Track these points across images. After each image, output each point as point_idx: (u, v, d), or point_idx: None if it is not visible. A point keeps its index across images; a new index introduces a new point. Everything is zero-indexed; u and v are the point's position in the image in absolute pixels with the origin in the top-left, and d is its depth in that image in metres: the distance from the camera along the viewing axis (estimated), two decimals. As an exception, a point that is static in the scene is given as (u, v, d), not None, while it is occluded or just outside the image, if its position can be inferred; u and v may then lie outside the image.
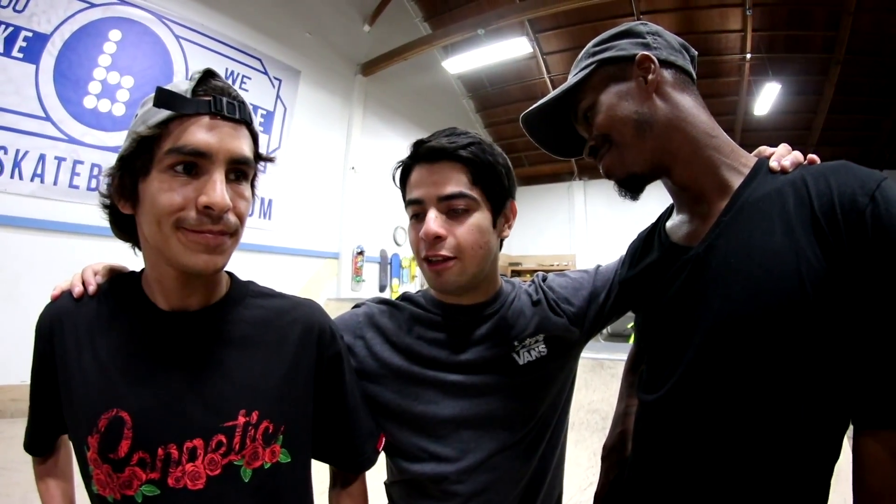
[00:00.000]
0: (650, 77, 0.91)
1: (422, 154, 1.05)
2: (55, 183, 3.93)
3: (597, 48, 1.00)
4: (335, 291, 7.11)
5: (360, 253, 7.54)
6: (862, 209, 0.72)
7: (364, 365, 1.11)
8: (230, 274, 0.95)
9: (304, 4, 6.78)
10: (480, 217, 1.04)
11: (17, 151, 3.78)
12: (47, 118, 3.93)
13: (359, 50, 7.79)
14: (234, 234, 0.80)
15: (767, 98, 8.19)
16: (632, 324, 1.30)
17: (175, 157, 0.73)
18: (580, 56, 1.03)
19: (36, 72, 3.88)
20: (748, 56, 8.01)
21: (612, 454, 1.28)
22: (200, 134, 0.74)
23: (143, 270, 0.88)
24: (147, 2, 4.68)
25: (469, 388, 1.09)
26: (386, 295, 7.77)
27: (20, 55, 3.80)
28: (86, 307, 0.85)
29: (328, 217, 7.10)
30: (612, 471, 1.26)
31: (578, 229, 12.85)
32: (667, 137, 0.91)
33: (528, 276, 12.83)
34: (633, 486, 1.05)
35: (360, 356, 1.12)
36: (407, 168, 1.09)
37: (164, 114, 0.73)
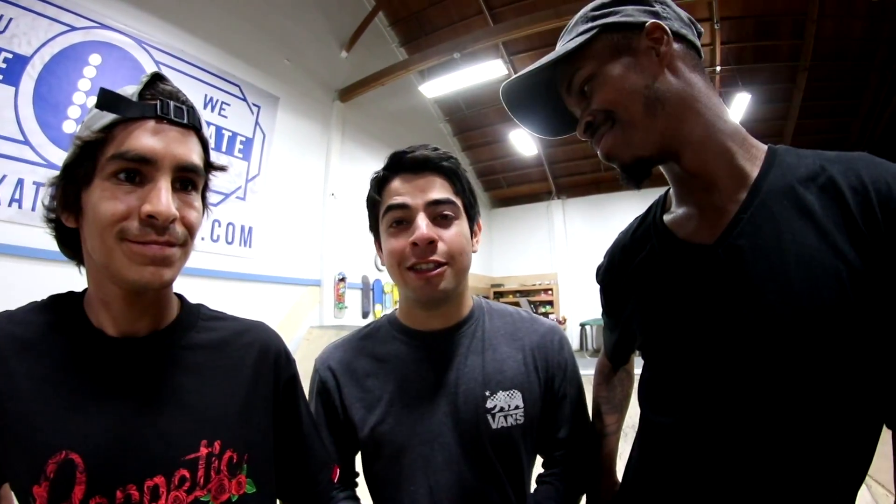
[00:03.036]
0: (662, 49, 0.81)
1: (405, 164, 1.04)
2: (33, 209, 3.80)
3: (597, 12, 0.87)
4: (318, 319, 7.02)
5: (342, 279, 7.46)
6: None
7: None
8: (180, 297, 0.90)
9: (283, 31, 6.79)
10: (463, 225, 1.05)
11: (-5, 176, 3.66)
12: (26, 142, 3.83)
13: (336, 76, 7.81)
14: (184, 245, 0.75)
15: (738, 108, 8.30)
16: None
17: (118, 164, 0.69)
18: (575, 20, 0.90)
19: (15, 94, 3.79)
20: (718, 68, 8.16)
21: (602, 480, 1.19)
22: (145, 139, 0.70)
23: (84, 292, 0.81)
24: (128, 27, 4.64)
25: (441, 456, 1.02)
26: (369, 321, 7.71)
27: (0, 77, 3.72)
28: (17, 334, 0.74)
29: (309, 244, 7.02)
30: (602, 499, 1.16)
31: (559, 247, 12.88)
32: (679, 117, 0.81)
33: (512, 296, 12.85)
34: None
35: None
36: (385, 178, 1.07)
37: (108, 118, 0.69)
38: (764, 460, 0.76)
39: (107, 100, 0.70)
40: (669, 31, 0.82)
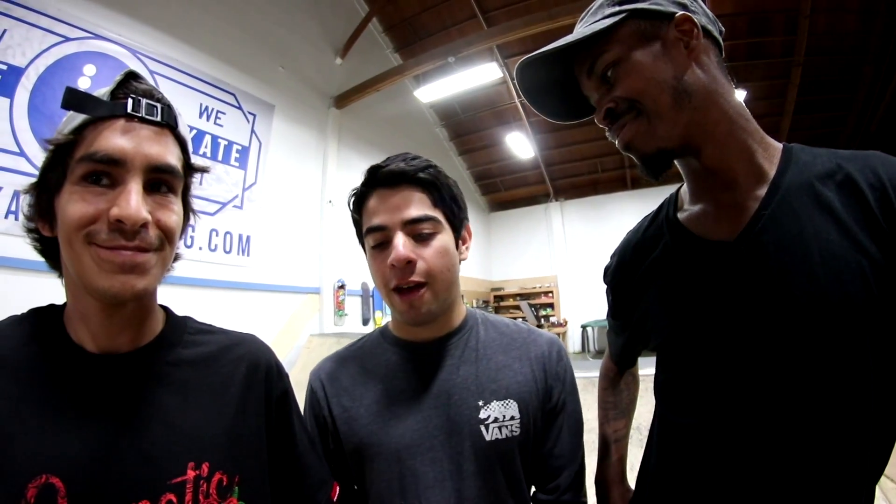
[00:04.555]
0: (692, 42, 0.80)
1: (380, 179, 1.01)
2: (31, 220, 3.79)
3: None
4: (318, 327, 7.01)
5: (342, 287, 7.45)
6: None
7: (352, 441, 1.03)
8: (166, 309, 0.85)
9: (277, 38, 6.81)
10: (445, 238, 1.02)
11: (-9, 187, 3.62)
12: (21, 154, 3.82)
13: (331, 83, 7.83)
14: (160, 250, 0.71)
15: (734, 106, 8.31)
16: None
17: (86, 166, 0.65)
18: (599, 2, 0.86)
19: (10, 106, 3.78)
20: (712, 65, 8.21)
21: (613, 488, 1.16)
22: (114, 139, 0.66)
23: (64, 305, 0.76)
24: (121, 36, 4.65)
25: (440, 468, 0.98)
26: (369, 328, 7.69)
27: None
28: None
29: (307, 252, 7.02)
30: None
31: (558, 250, 12.89)
32: (704, 111, 0.80)
33: (512, 300, 12.84)
34: None
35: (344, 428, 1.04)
36: (363, 195, 1.04)
37: (79, 119, 0.66)
38: (790, 455, 0.75)
39: (73, 99, 0.66)
40: (699, 25, 0.81)
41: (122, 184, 0.66)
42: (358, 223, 1.07)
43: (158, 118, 0.71)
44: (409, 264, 0.96)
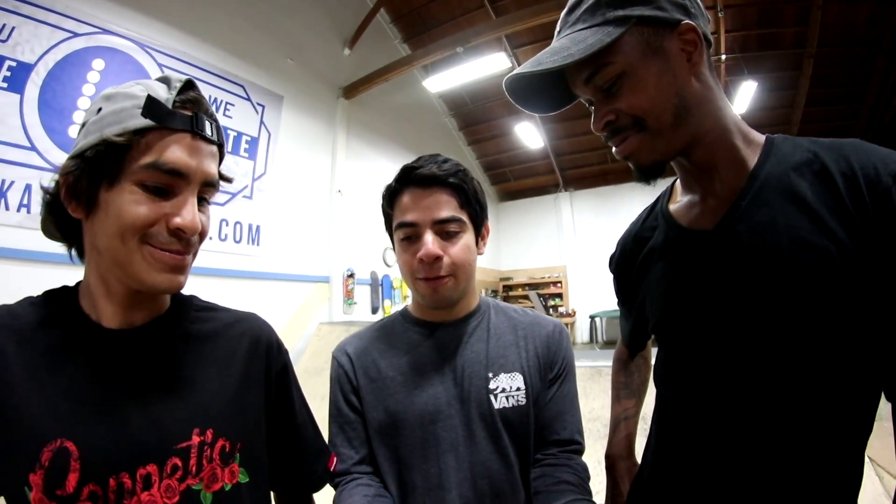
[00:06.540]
0: (695, 56, 0.80)
1: (414, 179, 1.11)
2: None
3: None
4: (327, 315, 7.07)
5: (351, 276, 7.50)
6: (887, 189, 0.71)
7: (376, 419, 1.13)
8: None
9: (285, 30, 6.82)
10: (468, 237, 1.13)
11: (3, 181, 3.71)
12: (32, 148, 3.88)
13: (340, 73, 7.83)
14: (195, 252, 0.80)
15: (745, 97, 8.25)
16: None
17: (152, 174, 0.71)
18: (590, 1, 0.83)
19: (20, 101, 3.85)
20: (723, 57, 8.10)
21: (620, 462, 1.21)
22: (181, 153, 0.73)
23: (78, 284, 0.82)
24: (129, 31, 4.69)
25: (455, 433, 1.09)
26: (378, 316, 7.73)
27: (4, 84, 3.76)
28: (14, 328, 0.74)
29: (317, 241, 7.06)
30: (624, 480, 1.18)
31: (567, 240, 12.87)
32: (700, 123, 0.82)
33: (521, 290, 12.83)
34: (662, 489, 0.98)
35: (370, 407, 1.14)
36: (395, 192, 1.15)
37: (141, 122, 0.71)
38: (767, 427, 0.80)
39: (152, 109, 0.72)
40: (701, 34, 0.80)
41: (179, 194, 0.74)
42: (389, 216, 1.18)
43: (215, 138, 0.79)
44: (437, 260, 1.08)
